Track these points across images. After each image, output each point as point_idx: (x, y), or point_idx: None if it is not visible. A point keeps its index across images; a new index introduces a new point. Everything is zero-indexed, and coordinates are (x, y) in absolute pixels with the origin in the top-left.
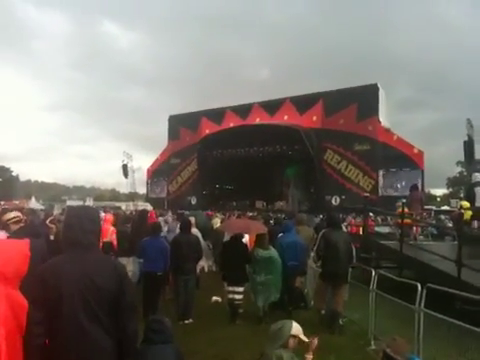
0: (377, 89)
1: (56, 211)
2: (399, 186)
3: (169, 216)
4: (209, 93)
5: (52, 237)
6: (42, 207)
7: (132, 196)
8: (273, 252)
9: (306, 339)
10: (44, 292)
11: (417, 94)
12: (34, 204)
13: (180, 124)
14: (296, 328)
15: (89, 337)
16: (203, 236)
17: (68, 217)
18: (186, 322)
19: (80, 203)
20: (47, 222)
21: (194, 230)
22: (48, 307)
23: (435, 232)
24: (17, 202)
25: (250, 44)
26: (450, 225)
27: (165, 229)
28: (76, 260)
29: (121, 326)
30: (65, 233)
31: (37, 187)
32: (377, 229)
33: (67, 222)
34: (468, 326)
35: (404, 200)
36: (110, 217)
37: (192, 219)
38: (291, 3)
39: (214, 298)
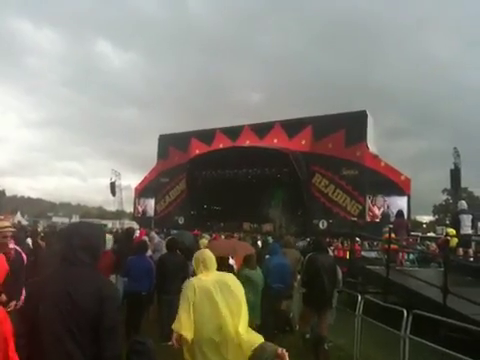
0: (366, 116)
1: (40, 228)
2: (385, 211)
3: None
4: (200, 114)
5: None
6: (26, 223)
7: (119, 214)
8: (255, 273)
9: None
10: (26, 306)
11: (404, 123)
12: (19, 219)
13: (170, 144)
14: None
15: (64, 356)
16: (189, 257)
17: (61, 233)
18: (169, 343)
19: (66, 220)
20: (38, 240)
21: None
22: (29, 321)
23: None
24: (2, 217)
25: (243, 69)
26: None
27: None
28: (59, 276)
29: (101, 348)
30: (59, 249)
31: (23, 202)
32: (364, 254)
33: (60, 238)
34: (453, 353)
35: (391, 226)
36: None
37: None
38: (284, 32)
39: None
